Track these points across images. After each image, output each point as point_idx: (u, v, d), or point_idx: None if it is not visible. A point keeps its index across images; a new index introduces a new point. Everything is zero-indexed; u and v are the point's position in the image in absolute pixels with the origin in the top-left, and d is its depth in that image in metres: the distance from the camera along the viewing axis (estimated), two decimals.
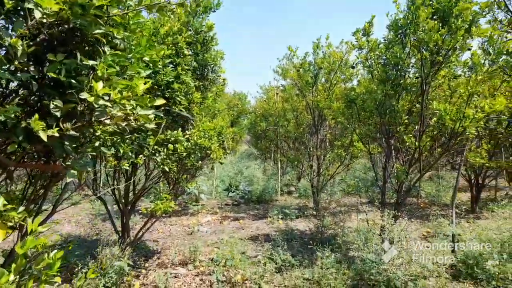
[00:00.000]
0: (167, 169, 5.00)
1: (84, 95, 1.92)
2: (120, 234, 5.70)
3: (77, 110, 2.04)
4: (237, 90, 23.83)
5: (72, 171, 2.14)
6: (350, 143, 9.12)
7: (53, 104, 1.90)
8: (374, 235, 5.86)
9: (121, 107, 2.11)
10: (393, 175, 6.05)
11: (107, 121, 2.15)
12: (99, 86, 1.94)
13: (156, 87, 5.07)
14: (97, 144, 2.71)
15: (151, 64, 4.52)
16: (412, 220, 10.06)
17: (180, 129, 5.12)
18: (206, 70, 5.72)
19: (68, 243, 7.24)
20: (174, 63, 4.99)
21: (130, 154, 4.72)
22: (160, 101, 2.33)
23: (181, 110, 5.11)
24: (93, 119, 2.08)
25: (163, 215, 5.29)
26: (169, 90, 4.93)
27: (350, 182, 12.08)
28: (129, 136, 4.88)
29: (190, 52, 5.40)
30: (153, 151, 4.99)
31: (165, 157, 4.96)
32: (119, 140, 4.70)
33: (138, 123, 2.34)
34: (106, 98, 2.02)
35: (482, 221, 8.90)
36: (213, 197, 12.28)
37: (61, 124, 1.93)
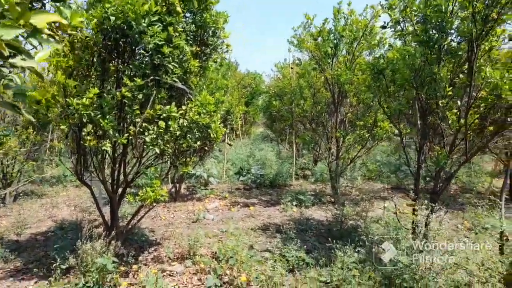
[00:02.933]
0: (157, 150, 4.19)
1: None
2: (109, 224, 5.00)
3: None
4: (251, 70, 22.78)
5: None
6: (374, 123, 8.10)
7: None
8: (405, 229, 4.96)
9: None
10: (430, 159, 5.07)
11: None
12: None
13: (143, 51, 4.22)
14: None
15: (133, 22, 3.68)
16: (444, 209, 9.07)
17: (173, 103, 4.28)
18: (205, 33, 4.80)
19: (62, 229, 6.66)
20: (165, 23, 4.10)
21: (112, 132, 3.94)
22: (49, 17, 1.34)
23: (174, 81, 4.26)
24: None
25: (163, 201, 4.54)
26: (159, 56, 4.07)
27: (371, 166, 11.09)
28: (113, 110, 4.08)
29: (184, 11, 4.49)
30: (141, 129, 4.18)
31: (155, 136, 4.15)
32: (98, 115, 3.93)
33: None
34: None
35: None
36: (224, 181, 11.54)
37: None
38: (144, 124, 4.18)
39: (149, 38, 3.89)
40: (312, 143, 10.00)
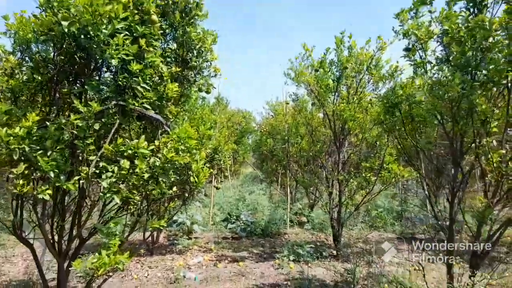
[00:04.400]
0: (117, 199, 3.08)
1: None
2: None
3: None
4: (241, 108, 22.13)
5: None
6: (381, 165, 7.17)
7: None
8: None
9: None
10: (468, 212, 4.08)
11: None
12: None
13: (106, 69, 3.26)
14: None
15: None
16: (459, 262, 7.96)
17: (143, 137, 3.25)
18: (189, 53, 3.90)
19: None
20: (136, 34, 3.18)
21: (53, 174, 2.85)
22: None
23: (144, 107, 3.26)
24: None
25: (121, 270, 3.34)
26: (125, 75, 3.10)
27: (374, 212, 10.02)
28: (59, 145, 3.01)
29: (162, 24, 3.62)
30: (97, 170, 3.10)
31: (114, 180, 3.06)
32: (38, 151, 2.86)
33: None
34: None
35: None
36: (209, 229, 10.24)
37: None
38: (102, 164, 3.10)
39: (113, 51, 2.94)
40: (310, 186, 8.96)
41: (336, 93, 7.09)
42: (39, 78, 3.29)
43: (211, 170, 7.59)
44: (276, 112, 13.01)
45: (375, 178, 7.35)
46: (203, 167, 3.59)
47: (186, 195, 3.85)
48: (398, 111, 4.93)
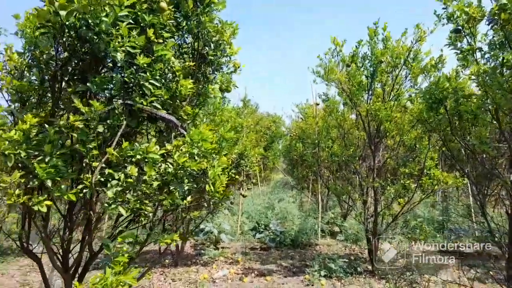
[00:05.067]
0: (123, 212, 2.72)
1: None
2: None
3: None
4: (271, 113, 21.72)
5: None
6: (422, 170, 6.47)
7: None
8: None
9: None
10: None
11: None
12: None
13: (111, 64, 2.95)
14: None
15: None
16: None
17: (154, 140, 2.89)
18: (205, 46, 3.51)
19: None
20: (142, 24, 2.84)
21: (50, 183, 2.54)
22: None
23: (154, 107, 2.90)
24: None
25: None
26: (132, 70, 2.76)
27: (413, 223, 9.17)
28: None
29: (175, 13, 3.26)
30: (102, 178, 2.77)
31: (120, 189, 2.70)
32: (38, 157, 2.57)
33: None
34: None
35: None
36: (237, 239, 9.82)
37: None
38: (108, 171, 2.76)
39: (116, 44, 2.60)
40: (343, 194, 8.34)
41: (370, 91, 6.48)
42: (46, 77, 3.04)
43: (237, 177, 7.21)
44: (306, 115, 12.46)
45: (415, 185, 6.64)
46: (221, 173, 3.16)
47: (206, 205, 3.44)
48: (443, 107, 4.30)
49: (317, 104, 9.61)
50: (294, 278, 6.62)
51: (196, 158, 3.03)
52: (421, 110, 4.51)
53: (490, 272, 7.37)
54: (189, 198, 3.13)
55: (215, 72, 3.77)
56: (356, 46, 6.07)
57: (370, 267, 7.18)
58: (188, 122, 3.57)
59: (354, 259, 7.70)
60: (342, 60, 6.27)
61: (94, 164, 2.66)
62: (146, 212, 3.05)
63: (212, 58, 3.52)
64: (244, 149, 6.94)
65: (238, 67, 3.81)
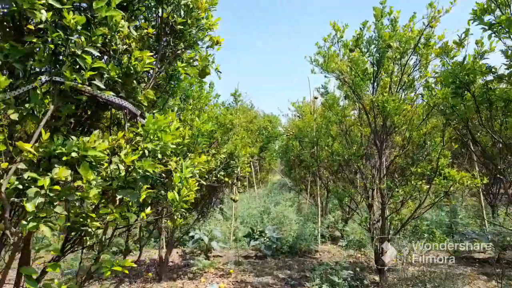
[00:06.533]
0: (47, 231, 1.94)
1: None
2: None
3: None
4: (267, 112, 20.94)
5: None
6: (436, 170, 5.72)
7: None
8: None
9: None
10: None
11: None
12: None
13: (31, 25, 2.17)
14: None
15: None
16: None
17: (96, 132, 2.11)
18: (172, 12, 2.74)
19: None
20: None
21: None
22: None
23: (98, 88, 2.13)
24: None
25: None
26: (59, 33, 1.99)
27: (423, 228, 8.43)
28: None
29: None
30: (20, 184, 2.00)
31: (43, 200, 1.93)
32: None
33: None
34: None
35: None
36: (230, 246, 9.03)
37: None
38: (30, 175, 1.97)
39: None
40: (345, 197, 7.57)
41: (376, 81, 5.72)
42: None
43: (226, 179, 6.43)
44: (304, 113, 11.70)
45: (428, 186, 5.89)
46: (189, 177, 2.38)
47: (162, 224, 2.66)
48: (470, 93, 3.55)
49: (316, 98, 8.84)
50: None
51: (159, 155, 2.26)
52: (445, 95, 3.76)
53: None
54: (148, 210, 2.35)
55: (189, 49, 2.99)
56: (360, 29, 5.31)
57: (377, 278, 6.41)
58: (155, 111, 2.80)
59: (359, 269, 6.92)
60: (344, 45, 5.49)
61: (3, 165, 1.89)
62: (91, 230, 2.29)
63: (182, 28, 2.74)
64: (235, 148, 6.17)
65: (217, 42, 3.02)
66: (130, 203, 2.24)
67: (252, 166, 16.76)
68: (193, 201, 2.47)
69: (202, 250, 8.58)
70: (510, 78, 3.00)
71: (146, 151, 2.12)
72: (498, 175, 4.97)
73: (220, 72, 3.66)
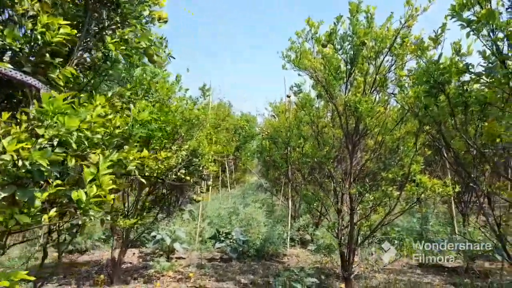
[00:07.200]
0: None
1: None
2: None
3: None
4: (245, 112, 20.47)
5: None
6: (408, 176, 5.49)
7: None
8: None
9: None
10: None
11: None
12: None
13: None
14: None
15: None
16: None
17: None
18: None
19: None
20: None
21: None
22: None
23: None
24: None
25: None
26: None
27: (393, 235, 8.24)
28: None
29: None
30: None
31: None
32: None
33: None
34: None
35: None
36: (195, 248, 8.60)
37: None
38: None
39: None
40: (314, 201, 7.28)
41: (349, 81, 5.44)
42: None
43: (187, 178, 6.02)
44: (279, 113, 11.40)
45: (399, 192, 5.67)
46: (106, 173, 1.96)
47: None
48: (444, 94, 3.29)
49: (288, 97, 8.53)
50: None
51: (55, 143, 1.84)
52: (418, 94, 3.46)
53: None
54: (52, 212, 1.92)
55: (126, 25, 2.57)
56: (334, 23, 4.99)
57: (343, 286, 6.13)
58: (82, 95, 2.37)
59: (325, 276, 6.64)
60: (317, 40, 5.17)
61: None
62: None
63: None
64: (198, 145, 5.76)
65: (160, 18, 2.61)
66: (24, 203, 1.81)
67: (226, 166, 16.35)
68: (111, 202, 2.06)
69: (164, 251, 8.13)
70: (488, 77, 2.74)
71: (41, 139, 1.69)
72: (471, 184, 4.77)
73: (174, 58, 3.28)
